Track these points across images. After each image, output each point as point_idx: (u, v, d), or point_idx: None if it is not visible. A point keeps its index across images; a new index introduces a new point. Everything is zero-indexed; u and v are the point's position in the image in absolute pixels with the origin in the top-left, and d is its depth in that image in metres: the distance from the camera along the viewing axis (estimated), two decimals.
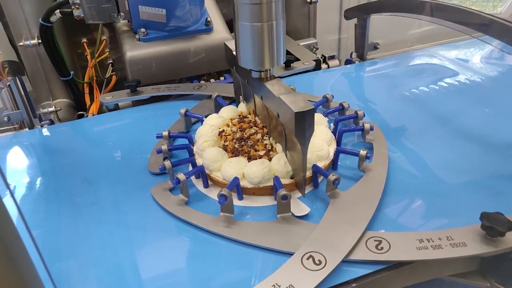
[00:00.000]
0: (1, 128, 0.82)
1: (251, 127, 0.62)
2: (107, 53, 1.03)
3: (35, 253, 0.24)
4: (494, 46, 0.86)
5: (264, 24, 0.49)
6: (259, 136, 0.60)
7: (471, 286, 0.47)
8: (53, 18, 0.83)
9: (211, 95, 0.74)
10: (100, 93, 0.97)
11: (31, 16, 0.87)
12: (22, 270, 0.21)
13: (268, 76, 0.54)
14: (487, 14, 0.65)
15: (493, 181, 0.56)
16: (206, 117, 0.67)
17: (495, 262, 0.45)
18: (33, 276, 0.22)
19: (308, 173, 0.55)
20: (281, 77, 0.62)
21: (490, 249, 0.44)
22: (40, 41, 0.87)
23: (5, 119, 0.76)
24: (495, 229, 0.43)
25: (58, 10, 0.82)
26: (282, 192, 0.49)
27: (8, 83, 0.69)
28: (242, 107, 0.67)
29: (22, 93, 0.73)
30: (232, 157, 0.57)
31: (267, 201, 0.54)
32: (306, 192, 0.55)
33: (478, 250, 0.44)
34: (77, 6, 0.80)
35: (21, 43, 0.88)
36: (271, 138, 0.59)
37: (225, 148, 0.59)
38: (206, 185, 0.57)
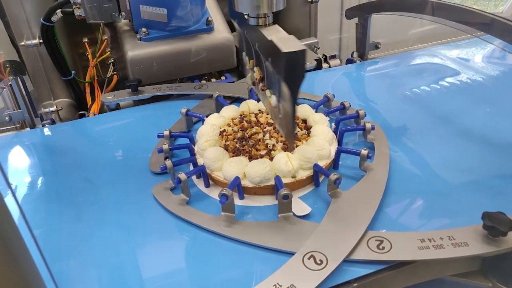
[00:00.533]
0: (2, 128, 0.82)
1: (252, 127, 0.62)
2: (108, 52, 1.03)
3: (36, 253, 0.24)
4: (495, 45, 0.86)
5: None
6: (260, 135, 0.60)
7: (473, 286, 0.47)
8: (54, 18, 0.83)
9: (212, 95, 0.74)
10: (101, 92, 0.97)
11: (32, 15, 0.87)
12: (23, 269, 0.21)
13: (267, 23, 0.48)
14: (489, 13, 0.65)
15: (495, 180, 0.56)
16: (207, 116, 0.67)
17: (497, 262, 0.45)
18: (35, 275, 0.22)
19: (309, 173, 0.55)
20: None
21: (492, 249, 0.43)
22: (41, 40, 0.87)
23: (7, 118, 0.76)
24: (497, 229, 0.43)
25: (59, 10, 0.82)
26: (283, 191, 0.49)
27: (9, 83, 0.69)
28: (244, 106, 0.67)
29: (24, 92, 0.73)
30: (233, 156, 0.57)
31: (268, 200, 0.54)
32: (306, 192, 0.55)
33: (480, 250, 0.44)
34: (78, 6, 0.80)
35: (23, 43, 0.88)
36: (272, 138, 0.59)
37: (226, 147, 0.59)
38: (207, 185, 0.57)
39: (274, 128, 0.62)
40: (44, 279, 0.25)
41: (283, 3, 0.48)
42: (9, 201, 0.23)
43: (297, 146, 0.57)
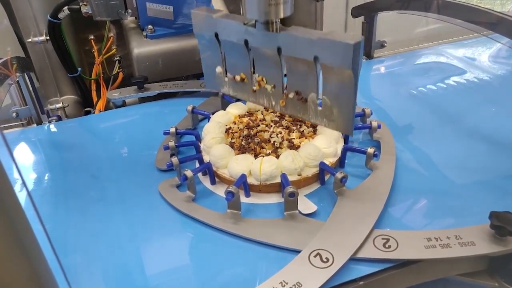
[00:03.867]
0: (10, 124, 0.83)
1: (258, 125, 0.62)
2: (114, 50, 1.03)
3: (46, 245, 0.24)
4: (503, 43, 0.85)
5: None
6: (266, 133, 0.60)
7: (479, 285, 0.47)
8: (61, 15, 0.84)
9: (218, 92, 0.74)
10: (107, 90, 0.97)
11: (39, 12, 0.88)
12: (35, 263, 0.21)
13: (278, 27, 0.49)
14: (497, 11, 0.65)
15: (501, 180, 0.56)
16: (213, 114, 0.67)
17: (503, 262, 0.45)
18: (45, 269, 0.22)
19: (315, 170, 0.55)
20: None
21: (499, 248, 0.43)
22: (48, 37, 0.87)
23: (14, 115, 0.76)
24: (505, 228, 0.43)
25: (66, 7, 0.83)
26: (290, 189, 0.49)
27: (17, 79, 0.69)
28: (250, 104, 0.67)
29: (31, 89, 0.74)
30: (238, 154, 0.57)
31: (274, 198, 0.54)
32: (312, 190, 0.55)
33: (487, 249, 0.44)
34: (85, 3, 0.80)
35: (30, 40, 0.88)
36: (278, 135, 0.59)
37: (232, 145, 0.59)
38: (213, 182, 0.57)
39: (280, 126, 0.62)
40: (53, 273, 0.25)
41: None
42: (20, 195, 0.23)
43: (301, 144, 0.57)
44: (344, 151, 0.58)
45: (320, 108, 0.49)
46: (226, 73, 0.56)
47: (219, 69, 0.57)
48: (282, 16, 0.48)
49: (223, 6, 0.92)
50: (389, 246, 0.45)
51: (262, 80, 0.54)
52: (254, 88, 0.54)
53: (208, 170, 0.56)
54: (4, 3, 0.89)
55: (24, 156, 0.71)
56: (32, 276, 0.21)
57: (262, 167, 0.53)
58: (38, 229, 0.25)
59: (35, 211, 0.22)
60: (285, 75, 0.53)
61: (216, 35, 0.53)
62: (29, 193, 0.25)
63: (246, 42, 0.52)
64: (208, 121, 0.65)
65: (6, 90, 0.61)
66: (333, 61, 0.46)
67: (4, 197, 0.20)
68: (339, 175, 0.51)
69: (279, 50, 0.50)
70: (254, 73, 0.55)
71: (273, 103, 0.54)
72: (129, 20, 0.89)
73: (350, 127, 0.49)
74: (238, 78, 0.55)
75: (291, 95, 0.53)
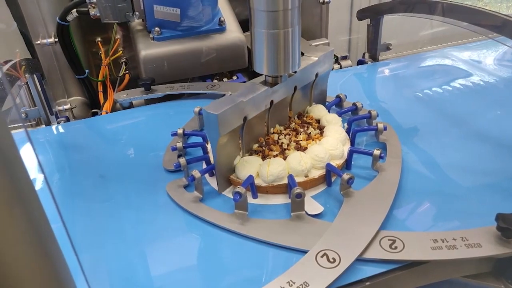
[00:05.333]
0: (18, 125, 0.83)
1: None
2: (121, 52, 1.04)
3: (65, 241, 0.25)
4: (509, 46, 0.85)
5: (280, 31, 0.50)
6: (274, 136, 0.60)
7: (485, 287, 0.47)
8: (69, 17, 0.84)
9: (224, 94, 0.75)
10: (114, 91, 0.98)
11: (48, 15, 0.89)
12: (54, 259, 0.22)
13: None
14: (502, 14, 0.65)
15: (508, 182, 0.56)
16: None
17: (509, 264, 0.45)
18: (64, 266, 0.23)
19: (322, 172, 0.55)
20: None
21: (505, 250, 0.44)
22: (56, 39, 0.88)
23: (23, 115, 0.77)
24: (511, 230, 0.43)
25: (75, 9, 0.84)
26: (297, 190, 0.49)
27: (26, 81, 0.70)
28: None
29: (40, 90, 0.75)
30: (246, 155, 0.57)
31: (281, 199, 0.54)
32: (318, 191, 0.55)
33: (493, 251, 0.44)
34: (93, 6, 0.81)
35: (38, 42, 0.89)
36: (286, 137, 0.60)
37: None
38: None
39: (288, 128, 0.62)
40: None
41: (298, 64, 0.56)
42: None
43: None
44: (351, 153, 0.58)
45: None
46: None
47: (237, 160, 0.56)
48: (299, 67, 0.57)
49: (229, 8, 0.92)
50: (396, 247, 0.45)
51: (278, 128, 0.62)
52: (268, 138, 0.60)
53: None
54: (14, 5, 0.90)
55: (32, 157, 0.72)
56: (52, 274, 0.21)
57: (270, 169, 0.53)
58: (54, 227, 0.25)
59: (57, 210, 0.23)
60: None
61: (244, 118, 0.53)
62: (51, 192, 0.26)
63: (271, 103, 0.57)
64: None
65: (16, 92, 0.61)
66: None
67: (27, 196, 0.20)
68: (345, 176, 0.52)
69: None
70: (269, 128, 0.60)
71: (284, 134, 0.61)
72: (136, 23, 0.90)
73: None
74: (256, 147, 0.59)
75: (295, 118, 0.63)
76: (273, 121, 0.60)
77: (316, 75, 0.64)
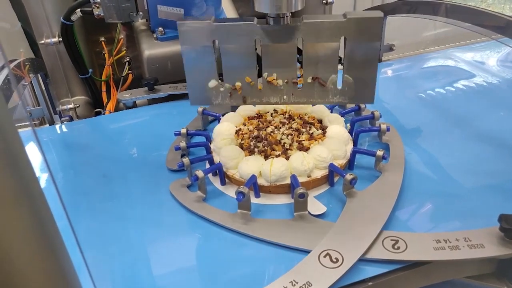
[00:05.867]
0: (22, 124, 0.84)
1: (267, 126, 0.63)
2: (124, 51, 1.04)
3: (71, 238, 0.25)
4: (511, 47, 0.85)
5: None
6: (277, 135, 0.61)
7: None
8: (74, 17, 0.85)
9: None
10: (117, 91, 0.98)
11: (52, 14, 0.89)
12: (60, 258, 0.22)
13: (290, 20, 0.52)
14: (506, 15, 0.65)
15: (510, 183, 0.56)
16: (223, 115, 0.68)
17: None
18: (69, 263, 0.23)
19: (324, 172, 0.56)
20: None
21: (508, 251, 0.44)
22: (60, 39, 0.89)
23: (27, 114, 0.78)
24: None
25: (79, 9, 0.84)
26: (300, 190, 0.49)
27: (30, 80, 0.70)
28: (260, 105, 0.68)
29: (43, 89, 0.75)
30: (249, 155, 0.58)
31: (284, 199, 0.55)
32: (321, 192, 0.55)
33: (496, 252, 0.44)
34: (97, 5, 0.81)
35: (42, 41, 0.90)
36: (289, 137, 0.60)
37: (241, 146, 0.60)
38: (223, 183, 0.58)
39: (290, 128, 0.62)
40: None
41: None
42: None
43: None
44: (353, 153, 0.58)
45: (340, 88, 0.54)
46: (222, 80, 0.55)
47: (212, 83, 0.55)
48: (300, 7, 0.50)
49: (233, 8, 0.92)
50: (398, 248, 0.45)
51: (274, 78, 0.55)
52: (260, 87, 0.55)
53: (219, 170, 0.57)
54: (18, 5, 0.91)
55: (36, 156, 0.72)
56: (57, 271, 0.22)
57: (272, 168, 0.53)
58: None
59: (64, 209, 0.23)
60: (300, 66, 0.55)
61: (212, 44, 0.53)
62: (57, 190, 0.26)
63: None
64: (219, 122, 0.66)
65: (21, 92, 0.62)
66: (363, 38, 0.51)
67: (33, 194, 0.21)
68: (348, 176, 0.52)
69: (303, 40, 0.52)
70: (261, 74, 0.55)
71: (285, 97, 0.56)
72: (140, 23, 0.90)
73: (372, 95, 0.55)
74: (239, 85, 0.55)
75: (309, 80, 0.54)
76: (270, 67, 0.55)
77: (345, 42, 0.52)
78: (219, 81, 0.56)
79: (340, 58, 0.55)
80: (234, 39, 0.53)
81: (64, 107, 0.94)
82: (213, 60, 0.54)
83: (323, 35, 0.52)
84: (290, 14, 0.51)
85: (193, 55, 0.54)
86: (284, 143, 0.59)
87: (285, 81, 0.55)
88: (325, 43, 0.52)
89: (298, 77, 0.55)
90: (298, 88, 0.55)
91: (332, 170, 0.55)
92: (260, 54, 0.54)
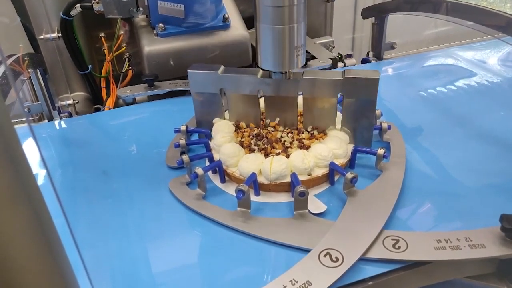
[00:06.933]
0: (21, 119, 0.83)
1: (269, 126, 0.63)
2: (124, 47, 1.04)
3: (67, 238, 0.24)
4: None
5: (285, 26, 0.50)
6: (277, 133, 0.60)
7: None
8: (73, 12, 0.84)
9: None
10: (116, 87, 0.98)
11: (52, 9, 0.88)
12: (58, 258, 0.22)
13: (291, 74, 0.57)
14: (507, 13, 0.65)
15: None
16: None
17: None
18: (67, 264, 0.23)
19: (325, 171, 0.55)
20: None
21: (509, 251, 0.43)
22: (60, 34, 0.88)
23: (26, 110, 0.77)
24: None
25: (78, 4, 0.83)
26: (300, 188, 0.49)
27: (29, 75, 0.70)
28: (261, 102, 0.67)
29: (43, 85, 0.74)
30: (248, 153, 0.57)
31: (284, 197, 0.54)
32: (321, 190, 0.55)
33: (497, 252, 0.44)
34: (97, 1, 0.81)
35: (42, 36, 0.89)
36: (289, 135, 0.60)
37: (241, 144, 0.59)
38: (222, 180, 0.57)
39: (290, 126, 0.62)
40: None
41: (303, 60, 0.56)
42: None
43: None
44: (354, 152, 0.58)
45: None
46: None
47: (216, 120, 0.63)
48: (300, 66, 0.55)
49: (233, 6, 0.92)
50: (399, 247, 0.45)
51: (277, 125, 0.61)
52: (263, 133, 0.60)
53: (218, 168, 0.57)
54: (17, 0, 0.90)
55: (34, 152, 0.71)
56: (54, 268, 0.21)
57: (272, 166, 0.53)
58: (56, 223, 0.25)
59: (60, 206, 0.23)
60: (300, 114, 0.61)
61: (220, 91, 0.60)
62: (54, 187, 0.26)
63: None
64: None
65: (19, 87, 0.61)
66: (359, 96, 0.55)
67: (29, 191, 0.20)
68: (349, 175, 0.51)
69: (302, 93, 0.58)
70: (265, 119, 0.62)
71: (287, 133, 0.61)
72: (140, 18, 0.89)
73: (370, 141, 0.60)
74: (243, 125, 0.62)
75: (309, 129, 0.60)
76: (273, 116, 0.61)
77: (344, 98, 0.57)
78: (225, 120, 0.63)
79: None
80: (239, 88, 0.60)
81: (63, 103, 0.93)
82: (220, 104, 0.62)
83: (321, 91, 0.57)
84: (291, 70, 0.56)
85: (202, 99, 0.62)
86: (285, 141, 0.58)
87: (287, 128, 0.61)
88: (324, 98, 0.57)
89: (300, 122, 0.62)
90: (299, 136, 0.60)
91: (333, 169, 0.55)
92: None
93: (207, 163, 0.60)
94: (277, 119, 0.61)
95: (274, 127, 0.62)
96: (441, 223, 0.50)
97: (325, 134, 0.61)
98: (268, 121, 0.61)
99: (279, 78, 0.56)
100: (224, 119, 0.63)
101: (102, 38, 1.02)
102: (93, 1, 0.81)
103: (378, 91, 0.55)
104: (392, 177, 0.55)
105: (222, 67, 0.59)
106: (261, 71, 0.58)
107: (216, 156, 0.59)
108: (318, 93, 0.57)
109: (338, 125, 0.60)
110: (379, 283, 0.44)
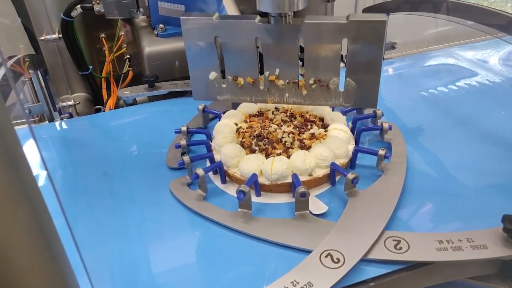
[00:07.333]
0: (21, 121, 0.83)
1: (270, 126, 0.63)
2: (124, 48, 1.04)
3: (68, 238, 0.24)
4: None
5: None
6: (278, 133, 0.60)
7: None
8: (74, 13, 0.84)
9: None
10: (117, 88, 0.98)
11: (52, 10, 0.88)
12: (58, 258, 0.21)
13: (292, 19, 0.51)
14: (508, 13, 0.64)
15: None
16: (224, 113, 0.67)
17: None
18: (67, 264, 0.23)
19: (326, 171, 0.55)
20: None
21: (511, 252, 0.43)
22: (60, 35, 0.88)
23: (27, 111, 0.77)
24: None
25: (79, 5, 0.83)
26: (301, 189, 0.49)
27: (30, 76, 0.70)
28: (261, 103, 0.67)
29: (43, 86, 0.74)
30: (249, 153, 0.57)
31: (285, 198, 0.54)
32: (322, 191, 0.55)
33: (499, 253, 0.43)
34: (97, 1, 0.81)
35: (42, 37, 0.89)
36: (290, 135, 0.59)
37: (242, 144, 0.59)
38: (223, 181, 0.57)
39: (291, 126, 0.62)
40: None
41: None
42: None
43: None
44: (355, 152, 0.58)
45: (342, 91, 0.54)
46: (223, 78, 0.56)
47: (213, 75, 0.56)
48: (301, 7, 0.50)
49: (234, 6, 0.92)
50: (400, 248, 0.45)
51: (276, 78, 0.55)
52: (262, 87, 0.55)
53: (219, 169, 0.57)
54: (18, 0, 0.90)
55: (35, 153, 0.71)
56: (54, 269, 0.21)
57: (273, 167, 0.53)
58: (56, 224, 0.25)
59: (60, 207, 0.23)
60: (302, 65, 0.55)
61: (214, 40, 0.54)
62: (54, 189, 0.26)
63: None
64: (219, 120, 0.66)
65: (20, 88, 0.61)
66: (365, 41, 0.50)
67: (29, 192, 0.20)
68: (350, 176, 0.51)
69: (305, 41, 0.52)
70: (263, 72, 0.55)
71: (287, 95, 0.56)
72: (140, 19, 0.90)
73: (375, 100, 0.54)
74: (241, 81, 0.56)
75: (311, 82, 0.55)
76: (270, 67, 0.55)
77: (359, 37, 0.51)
78: (221, 74, 0.56)
79: (342, 56, 0.56)
80: (235, 36, 0.53)
81: (64, 104, 0.93)
82: (216, 55, 0.55)
83: (324, 37, 0.51)
84: (292, 14, 0.50)
85: (196, 51, 0.55)
86: (285, 141, 0.58)
87: (287, 81, 0.55)
88: (327, 45, 0.52)
89: (300, 75, 0.55)
90: (300, 87, 0.55)
91: (334, 169, 0.54)
92: (262, 52, 0.54)
93: (208, 164, 0.60)
94: (277, 70, 0.55)
95: (273, 81, 0.56)
96: (442, 224, 0.50)
97: (326, 130, 0.61)
98: (267, 73, 0.55)
99: (279, 23, 0.51)
100: (218, 73, 0.57)
101: (103, 39, 1.02)
102: (93, 2, 0.81)
103: (384, 37, 0.51)
104: (393, 177, 0.55)
105: (217, 13, 0.53)
106: (259, 16, 0.52)
107: (217, 157, 0.59)
108: (321, 39, 0.52)
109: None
110: (381, 284, 0.44)
